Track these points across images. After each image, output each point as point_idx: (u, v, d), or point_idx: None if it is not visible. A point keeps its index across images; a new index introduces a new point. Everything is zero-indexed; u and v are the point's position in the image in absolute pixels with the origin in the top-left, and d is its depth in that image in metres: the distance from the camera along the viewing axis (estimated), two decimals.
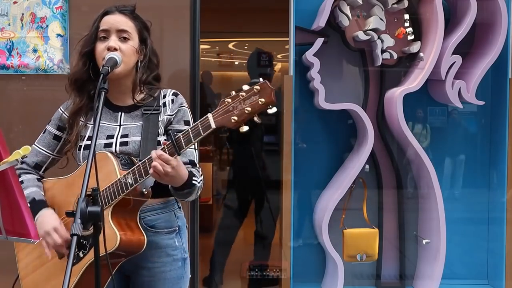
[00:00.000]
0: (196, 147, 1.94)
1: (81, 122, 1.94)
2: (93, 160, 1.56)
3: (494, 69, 3.18)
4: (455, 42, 3.08)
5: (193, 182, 1.80)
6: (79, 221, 1.46)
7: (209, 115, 1.61)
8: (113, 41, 1.88)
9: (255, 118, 1.59)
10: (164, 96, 1.96)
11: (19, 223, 1.48)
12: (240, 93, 1.60)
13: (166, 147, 1.68)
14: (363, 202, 3.26)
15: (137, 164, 1.76)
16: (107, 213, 1.79)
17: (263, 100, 1.57)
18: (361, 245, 3.21)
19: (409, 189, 3.40)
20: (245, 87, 1.61)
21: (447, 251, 3.16)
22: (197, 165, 1.92)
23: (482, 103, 3.18)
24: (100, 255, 1.62)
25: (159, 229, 1.94)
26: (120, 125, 1.93)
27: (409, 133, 3.14)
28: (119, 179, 1.77)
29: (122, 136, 1.90)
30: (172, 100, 1.95)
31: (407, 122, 3.14)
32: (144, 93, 1.96)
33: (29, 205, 1.83)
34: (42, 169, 2.02)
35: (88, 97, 1.95)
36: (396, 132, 3.22)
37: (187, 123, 1.95)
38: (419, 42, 3.19)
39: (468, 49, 3.24)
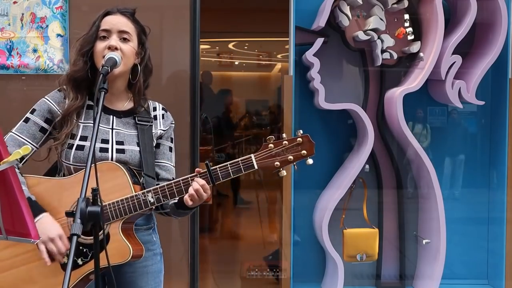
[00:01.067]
0: (174, 165, 2.07)
1: (74, 120, 1.92)
2: (93, 162, 1.56)
3: (494, 69, 3.18)
4: (455, 42, 3.08)
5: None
6: (79, 221, 1.46)
7: (252, 156, 1.78)
8: (114, 40, 1.88)
9: (294, 165, 1.82)
10: (154, 109, 2.03)
11: (19, 223, 1.47)
12: (284, 141, 1.80)
13: (200, 175, 1.80)
14: (363, 202, 3.26)
15: (162, 185, 1.81)
16: (117, 226, 1.81)
17: (305, 152, 1.82)
18: (361, 245, 3.21)
19: (409, 189, 3.40)
20: (285, 136, 1.81)
21: (447, 251, 3.16)
22: None
23: (482, 103, 3.18)
24: (100, 266, 1.62)
25: (139, 226, 1.96)
26: (112, 129, 1.93)
27: (409, 133, 3.14)
28: (136, 196, 1.80)
29: (118, 143, 1.91)
30: (163, 116, 2.04)
31: (407, 122, 3.14)
32: (132, 100, 1.99)
33: None
34: (23, 162, 1.93)
35: (87, 96, 1.94)
36: (396, 132, 3.22)
37: (172, 140, 2.06)
38: (419, 42, 3.19)
39: (468, 49, 3.24)
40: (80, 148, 1.88)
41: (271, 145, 1.80)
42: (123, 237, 1.80)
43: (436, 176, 3.15)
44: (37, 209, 1.82)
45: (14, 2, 3.20)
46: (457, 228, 3.34)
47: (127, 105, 1.98)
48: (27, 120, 1.93)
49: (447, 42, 3.10)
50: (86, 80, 1.92)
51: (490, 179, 3.41)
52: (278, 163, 1.79)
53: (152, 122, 1.98)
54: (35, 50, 3.20)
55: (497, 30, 3.11)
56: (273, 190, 6.02)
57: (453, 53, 3.10)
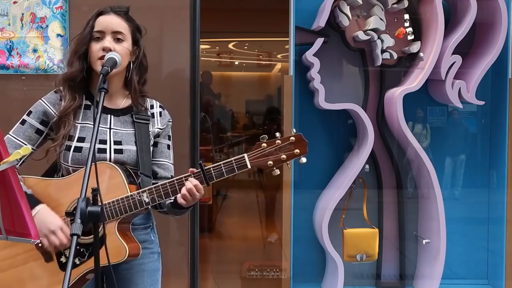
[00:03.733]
0: (173, 162, 2.07)
1: (70, 121, 1.91)
2: (94, 158, 1.57)
3: (494, 69, 3.19)
4: (455, 42, 3.08)
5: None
6: (79, 221, 1.46)
7: (245, 156, 1.78)
8: (108, 41, 1.88)
9: (288, 164, 1.81)
10: (152, 107, 2.03)
11: (19, 223, 1.47)
12: (277, 141, 1.79)
13: (194, 175, 1.80)
14: (363, 202, 3.26)
15: (156, 185, 1.82)
16: (113, 226, 1.82)
17: (298, 151, 1.79)
18: (361, 245, 3.21)
19: (409, 189, 3.40)
20: (278, 135, 1.80)
21: (447, 251, 3.16)
22: None
23: (482, 103, 3.18)
24: (91, 268, 1.64)
25: (137, 225, 1.97)
26: (110, 128, 1.93)
27: (409, 133, 3.14)
28: (131, 196, 1.81)
29: (116, 143, 1.91)
30: (160, 113, 2.03)
31: (407, 122, 3.14)
32: (129, 97, 1.98)
33: None
34: (21, 163, 1.92)
35: (83, 96, 1.94)
36: (396, 132, 3.22)
37: (169, 138, 2.06)
38: (419, 42, 3.19)
39: (468, 49, 3.25)
40: (78, 150, 1.88)
41: (264, 144, 1.80)
42: (119, 236, 1.81)
43: (436, 176, 3.15)
44: (33, 202, 1.82)
45: (14, 2, 3.20)
46: (457, 228, 3.34)
47: (124, 103, 1.98)
48: (23, 122, 1.94)
49: (447, 42, 3.10)
50: (82, 80, 1.92)
51: (490, 179, 3.41)
52: (271, 162, 1.79)
53: (149, 120, 1.99)
54: (35, 50, 3.20)
55: (497, 30, 3.11)
56: (273, 190, 6.02)
57: (453, 53, 3.10)
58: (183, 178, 1.81)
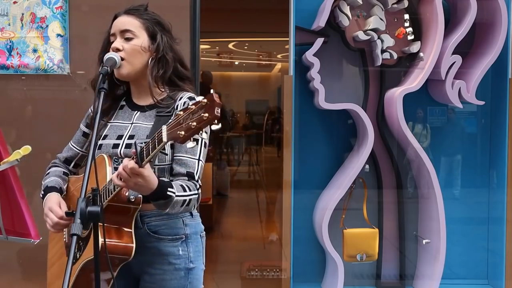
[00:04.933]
0: (201, 158, 1.87)
1: (102, 121, 1.93)
2: (93, 161, 1.57)
3: (494, 69, 3.19)
4: (455, 42, 3.08)
5: (168, 193, 1.70)
6: (78, 221, 1.46)
7: (164, 127, 1.50)
8: (117, 42, 1.89)
9: (202, 135, 1.46)
10: (180, 99, 1.90)
11: (19, 223, 1.48)
12: (190, 106, 1.46)
13: (135, 157, 1.62)
14: (363, 202, 3.26)
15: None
16: None
17: (206, 115, 1.41)
18: (361, 245, 3.21)
19: (409, 189, 3.40)
20: (198, 98, 1.47)
21: (447, 251, 3.16)
22: (195, 178, 1.83)
23: (482, 103, 3.18)
24: (89, 258, 1.61)
25: (162, 236, 1.88)
26: (132, 123, 1.92)
27: (409, 133, 3.14)
28: (105, 185, 1.75)
29: (130, 137, 1.89)
30: (184, 103, 1.87)
31: (407, 122, 3.14)
32: (165, 94, 1.92)
33: (43, 192, 1.90)
34: (72, 164, 2.06)
35: (112, 98, 1.97)
36: (396, 132, 3.22)
37: None
38: (419, 42, 3.19)
39: (468, 49, 3.25)
40: (100, 147, 1.90)
41: (180, 112, 1.47)
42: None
43: (436, 176, 3.15)
44: (46, 192, 1.91)
45: (14, 2, 3.20)
46: (457, 228, 3.34)
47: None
48: (78, 127, 2.06)
49: (447, 42, 3.10)
50: (110, 84, 1.90)
51: (490, 179, 3.41)
52: (182, 131, 1.44)
53: (171, 112, 1.87)
54: (35, 50, 3.20)
55: (497, 30, 3.11)
56: (273, 190, 6.03)
57: (453, 53, 3.10)
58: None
